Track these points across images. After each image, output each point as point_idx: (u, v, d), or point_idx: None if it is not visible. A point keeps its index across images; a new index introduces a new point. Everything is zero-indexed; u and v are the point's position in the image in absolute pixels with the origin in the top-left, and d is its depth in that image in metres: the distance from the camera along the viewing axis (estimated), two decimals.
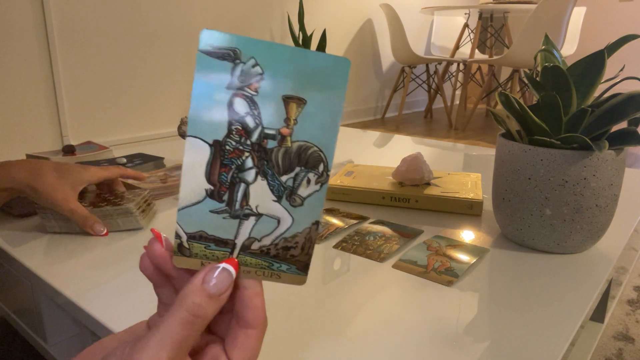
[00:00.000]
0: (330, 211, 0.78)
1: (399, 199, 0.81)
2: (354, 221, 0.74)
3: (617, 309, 1.02)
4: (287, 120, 0.25)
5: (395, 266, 0.59)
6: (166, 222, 0.74)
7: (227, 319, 0.27)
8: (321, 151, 0.25)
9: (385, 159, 1.18)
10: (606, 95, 0.60)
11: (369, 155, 1.23)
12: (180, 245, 0.26)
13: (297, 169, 0.25)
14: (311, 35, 2.50)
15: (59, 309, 0.70)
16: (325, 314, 0.49)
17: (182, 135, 1.01)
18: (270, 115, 0.24)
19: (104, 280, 0.56)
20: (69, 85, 1.83)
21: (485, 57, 3.62)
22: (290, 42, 2.73)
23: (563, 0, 2.53)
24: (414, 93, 3.89)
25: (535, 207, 0.61)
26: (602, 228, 0.62)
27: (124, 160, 1.03)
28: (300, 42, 2.51)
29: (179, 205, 0.25)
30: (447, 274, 0.57)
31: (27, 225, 0.73)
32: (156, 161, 1.05)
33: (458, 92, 4.29)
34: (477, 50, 3.52)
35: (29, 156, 1.06)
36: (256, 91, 0.24)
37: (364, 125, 3.20)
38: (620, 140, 0.59)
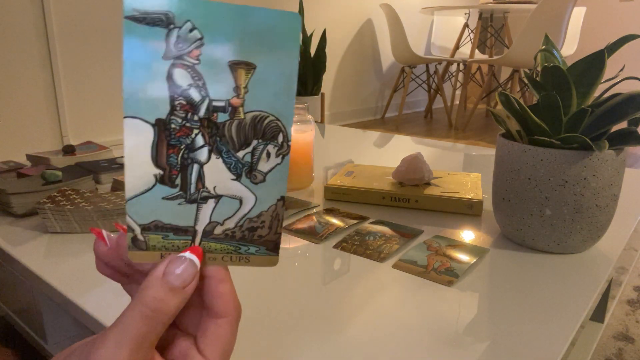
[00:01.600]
0: (330, 211, 0.78)
1: (399, 199, 0.81)
2: (354, 221, 0.74)
3: (617, 309, 1.02)
4: (236, 89, 0.22)
5: (395, 266, 0.59)
6: None
7: (196, 313, 0.25)
8: (278, 120, 0.23)
9: (385, 159, 1.18)
10: (606, 95, 0.60)
11: (369, 155, 1.23)
12: (134, 239, 0.23)
13: (254, 142, 0.23)
14: (311, 35, 2.50)
15: (59, 309, 0.70)
16: (325, 314, 0.49)
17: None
18: (217, 85, 0.22)
19: (104, 280, 0.56)
20: (69, 85, 1.83)
21: (485, 57, 3.62)
22: None
23: (563, 0, 2.53)
24: (414, 93, 3.89)
25: (535, 207, 0.61)
26: (602, 228, 0.62)
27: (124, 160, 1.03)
28: (300, 41, 2.51)
29: (127, 195, 0.22)
30: (447, 274, 0.57)
31: (27, 225, 0.73)
32: None
33: (458, 92, 4.29)
34: (477, 50, 3.53)
35: (29, 156, 1.06)
36: (197, 59, 0.21)
37: (364, 125, 3.21)
38: (620, 140, 0.59)
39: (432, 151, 1.27)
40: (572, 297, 0.52)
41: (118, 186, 0.88)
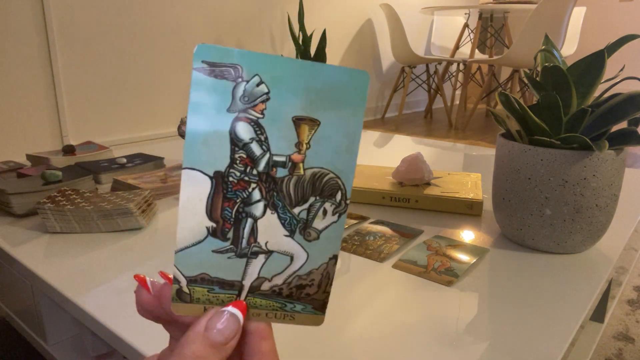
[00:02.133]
0: None
1: (399, 199, 0.81)
2: (354, 221, 0.74)
3: (617, 309, 1.02)
4: (298, 144, 0.22)
5: (395, 266, 0.59)
6: (166, 221, 0.74)
7: None
8: (338, 178, 0.22)
9: (385, 159, 1.18)
10: (606, 95, 0.60)
11: (369, 155, 1.23)
12: (179, 291, 0.23)
13: (312, 199, 0.22)
14: (311, 35, 2.50)
15: (59, 309, 0.70)
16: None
17: (182, 135, 1.01)
18: (279, 140, 0.21)
19: (104, 280, 0.56)
20: (69, 85, 1.83)
21: (485, 57, 3.62)
22: (290, 42, 2.73)
23: (563, 0, 2.53)
24: (414, 93, 3.89)
25: (535, 207, 0.61)
26: (602, 228, 0.62)
27: (124, 160, 1.03)
28: (300, 42, 2.51)
29: (177, 246, 0.22)
30: (447, 274, 0.57)
31: (27, 225, 0.73)
32: (156, 161, 1.05)
33: (458, 92, 4.29)
34: (477, 50, 3.53)
35: (29, 156, 1.06)
36: (262, 113, 0.21)
37: (364, 125, 3.21)
38: (620, 140, 0.59)
39: (432, 151, 1.27)
40: (572, 297, 0.52)
41: (118, 186, 0.88)
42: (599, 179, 0.58)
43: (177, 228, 0.22)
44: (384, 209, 0.81)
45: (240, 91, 0.21)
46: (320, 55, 2.46)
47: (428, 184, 0.85)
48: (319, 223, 0.23)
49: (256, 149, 0.21)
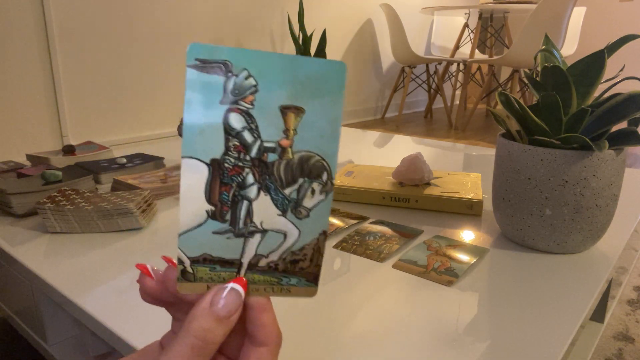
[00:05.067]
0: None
1: (399, 199, 0.81)
2: (354, 221, 0.74)
3: (617, 309, 1.02)
4: (286, 131, 0.24)
5: (395, 266, 0.59)
6: (166, 222, 0.74)
7: (236, 340, 0.26)
8: (324, 159, 0.24)
9: (385, 159, 1.18)
10: (606, 95, 0.60)
11: (369, 155, 1.23)
12: (183, 271, 0.25)
13: (301, 180, 0.25)
14: (311, 35, 2.50)
15: (59, 309, 0.70)
16: (325, 313, 0.49)
17: (182, 134, 1.01)
18: (269, 128, 0.24)
19: (104, 280, 0.56)
20: (69, 85, 1.83)
21: (485, 57, 3.62)
22: (290, 42, 2.73)
23: (563, 0, 2.53)
24: (414, 93, 3.89)
25: (535, 207, 0.61)
26: (602, 228, 0.62)
27: (124, 160, 1.03)
28: (300, 42, 2.51)
29: (180, 229, 0.24)
30: (447, 274, 0.57)
31: (27, 225, 0.73)
32: (156, 161, 1.05)
33: (458, 92, 4.29)
34: (477, 50, 3.52)
35: (29, 156, 1.06)
36: (252, 104, 0.23)
37: (364, 125, 3.20)
38: (620, 140, 0.59)
39: (432, 151, 1.27)
40: (572, 297, 0.52)
41: (118, 186, 0.88)
42: (599, 179, 0.58)
43: (179, 213, 0.23)
44: (384, 209, 0.81)
45: (230, 85, 0.23)
46: (321, 55, 2.46)
47: (428, 184, 0.85)
48: (308, 202, 0.25)
49: (248, 136, 0.23)
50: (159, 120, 2.16)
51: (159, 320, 0.48)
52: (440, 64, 3.68)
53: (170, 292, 0.26)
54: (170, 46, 2.13)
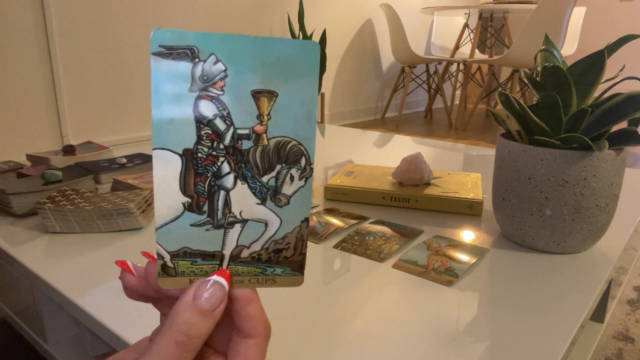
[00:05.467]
0: (330, 211, 0.78)
1: (399, 199, 0.81)
2: (354, 221, 0.74)
3: (617, 309, 1.02)
4: (259, 116, 0.23)
5: (395, 266, 0.59)
6: None
7: (224, 333, 0.26)
8: (301, 144, 0.24)
9: (385, 159, 1.18)
10: (606, 95, 0.60)
11: (369, 155, 1.23)
12: (163, 266, 0.24)
13: (278, 167, 0.24)
14: (311, 35, 2.50)
15: (59, 309, 0.70)
16: (325, 314, 0.49)
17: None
18: (241, 114, 0.23)
19: (104, 280, 0.56)
20: (69, 85, 1.83)
21: (485, 57, 3.62)
22: None
23: (563, 0, 2.53)
24: (414, 93, 3.89)
25: (535, 207, 0.61)
26: (602, 228, 0.62)
27: (124, 160, 1.03)
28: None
29: (157, 224, 0.23)
30: (447, 274, 0.57)
31: (27, 225, 0.73)
32: None
33: (458, 92, 4.29)
34: (477, 50, 3.52)
35: (29, 156, 1.06)
36: (222, 90, 0.22)
37: (364, 125, 3.20)
38: (620, 140, 0.59)
39: (432, 151, 1.27)
40: (572, 297, 0.52)
41: (118, 186, 0.88)
42: (599, 179, 0.58)
43: (155, 206, 0.23)
44: (384, 209, 0.81)
45: (198, 71, 0.22)
46: (320, 55, 2.47)
47: (428, 184, 0.85)
48: (287, 189, 0.24)
49: (220, 124, 0.23)
50: None
51: (159, 321, 0.48)
52: (440, 64, 3.68)
53: (152, 288, 0.25)
54: None
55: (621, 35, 0.58)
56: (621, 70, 0.64)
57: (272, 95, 0.23)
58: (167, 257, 0.24)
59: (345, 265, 0.60)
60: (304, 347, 0.44)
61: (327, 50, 3.01)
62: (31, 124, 1.75)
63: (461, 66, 3.78)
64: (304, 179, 0.24)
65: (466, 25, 3.40)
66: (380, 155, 1.24)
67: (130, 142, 2.05)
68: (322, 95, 2.62)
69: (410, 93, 3.81)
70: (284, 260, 0.25)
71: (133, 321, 0.48)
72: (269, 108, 0.23)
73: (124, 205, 0.70)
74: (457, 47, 3.44)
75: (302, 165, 0.24)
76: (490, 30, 3.72)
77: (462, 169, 1.09)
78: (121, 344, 0.46)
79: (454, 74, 3.60)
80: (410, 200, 0.80)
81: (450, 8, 3.30)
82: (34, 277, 0.58)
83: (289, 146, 0.24)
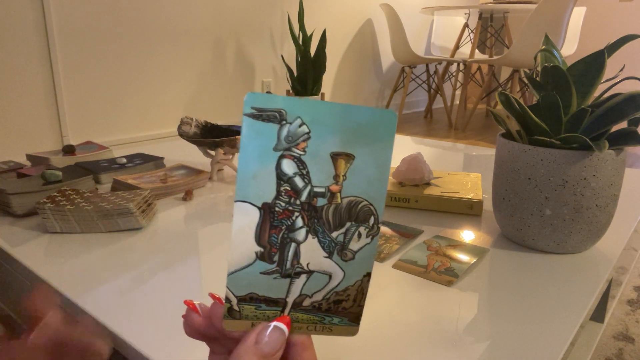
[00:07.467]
0: None
1: (399, 199, 0.81)
2: None
3: (617, 309, 1.02)
4: (336, 177, 0.24)
5: (395, 266, 0.59)
6: (166, 221, 0.74)
7: None
8: (371, 205, 0.25)
9: None
10: (606, 95, 0.60)
11: None
12: (230, 309, 0.25)
13: (348, 224, 0.25)
14: (311, 35, 2.50)
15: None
16: None
17: (182, 135, 1.01)
18: (319, 173, 0.24)
19: (104, 280, 0.56)
20: (69, 85, 1.83)
21: (485, 57, 3.62)
22: (290, 42, 2.73)
23: (563, 0, 2.53)
24: (414, 93, 3.89)
25: (535, 207, 0.61)
26: (602, 228, 0.62)
27: (124, 160, 1.03)
28: (300, 42, 2.51)
29: (229, 269, 0.25)
30: (447, 274, 0.57)
31: (27, 225, 0.73)
32: (156, 161, 1.05)
33: (458, 92, 4.29)
34: (477, 50, 3.52)
35: (29, 156, 1.06)
36: (304, 150, 0.24)
37: None
38: (620, 140, 0.59)
39: (432, 151, 1.27)
40: (572, 297, 0.52)
41: (118, 186, 0.88)
42: (599, 179, 0.58)
43: (229, 253, 0.24)
44: (384, 209, 0.80)
45: (284, 132, 0.24)
46: (320, 55, 2.47)
47: (428, 184, 0.85)
48: (354, 245, 0.26)
49: (299, 182, 0.24)
50: (159, 120, 2.16)
51: (159, 321, 0.48)
52: (440, 64, 3.68)
53: (216, 328, 0.26)
54: (171, 46, 2.14)
55: (621, 35, 0.58)
56: (621, 70, 0.64)
57: (349, 157, 0.24)
58: (234, 301, 0.25)
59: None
60: None
61: (327, 50, 3.01)
62: (31, 124, 1.75)
63: (461, 66, 3.78)
64: (370, 236, 0.26)
65: (466, 25, 3.40)
66: None
67: (130, 142, 2.05)
68: (322, 95, 2.62)
69: (410, 93, 3.81)
70: (342, 311, 0.27)
71: (133, 321, 0.48)
72: (346, 169, 0.24)
73: (124, 205, 0.70)
74: (457, 47, 3.44)
75: (371, 224, 0.26)
76: (490, 30, 3.72)
77: (462, 169, 1.09)
78: (121, 344, 0.46)
79: (454, 74, 3.60)
80: (410, 200, 0.80)
81: (450, 8, 3.30)
82: (34, 277, 0.58)
83: (360, 205, 0.25)
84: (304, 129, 0.24)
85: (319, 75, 2.53)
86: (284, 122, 0.23)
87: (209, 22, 2.28)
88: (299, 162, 0.24)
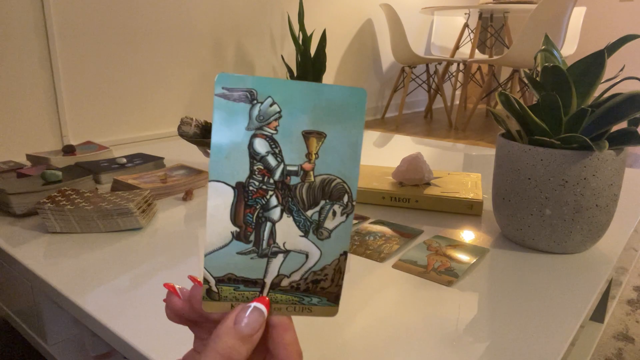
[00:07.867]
0: None
1: (399, 199, 0.81)
2: (354, 221, 0.74)
3: (617, 309, 1.02)
4: (308, 155, 0.25)
5: (395, 266, 0.59)
6: (166, 221, 0.74)
7: (260, 357, 0.27)
8: (344, 182, 0.25)
9: (385, 159, 1.18)
10: (606, 95, 0.60)
11: (369, 155, 1.23)
12: (208, 290, 0.25)
13: (322, 203, 0.25)
14: (311, 35, 2.50)
15: (59, 309, 0.70)
16: None
17: (182, 135, 1.01)
18: (291, 152, 0.25)
19: (104, 280, 0.56)
20: (69, 85, 1.83)
21: (485, 57, 3.62)
22: (290, 42, 2.73)
23: (563, 0, 2.53)
24: (414, 93, 3.89)
25: (535, 207, 0.61)
26: (602, 228, 0.62)
27: (124, 160, 1.03)
28: (300, 42, 2.51)
29: (206, 250, 0.25)
30: (447, 274, 0.57)
31: (27, 225, 0.73)
32: (156, 161, 1.05)
33: (458, 92, 4.29)
34: (477, 50, 3.52)
35: (29, 156, 1.06)
36: (275, 129, 0.24)
37: (365, 126, 3.20)
38: (620, 140, 0.59)
39: (432, 151, 1.27)
40: (572, 297, 0.52)
41: (118, 186, 0.88)
42: (599, 179, 0.58)
43: (206, 234, 0.25)
44: (384, 209, 0.81)
45: (255, 112, 0.24)
46: (320, 55, 2.47)
47: (428, 184, 0.85)
48: (329, 223, 0.26)
49: (272, 160, 0.25)
50: (159, 120, 2.16)
51: (159, 321, 0.48)
52: (440, 64, 3.68)
53: (195, 311, 0.27)
54: (170, 46, 2.14)
55: (621, 35, 0.58)
56: (621, 70, 0.64)
57: (321, 135, 0.25)
58: (213, 282, 0.25)
59: (346, 265, 0.60)
60: (303, 347, 0.44)
61: (327, 50, 3.01)
62: (31, 124, 1.75)
63: (461, 66, 3.77)
64: (345, 214, 0.26)
65: (466, 25, 3.40)
66: (380, 155, 1.24)
67: (130, 142, 2.05)
68: None
69: (410, 93, 3.81)
70: (321, 291, 0.27)
71: (133, 321, 0.48)
72: (317, 148, 0.25)
73: (124, 205, 0.70)
74: (457, 47, 3.44)
75: (345, 202, 0.26)
76: (490, 30, 3.72)
77: (462, 169, 1.09)
78: (121, 344, 0.46)
79: (454, 74, 3.60)
80: (410, 200, 0.80)
81: (450, 8, 3.30)
82: (34, 277, 0.58)
83: (333, 184, 0.25)
84: (275, 108, 0.24)
85: (319, 75, 2.53)
86: (255, 101, 0.24)
87: (209, 22, 2.28)
88: (272, 140, 0.24)
